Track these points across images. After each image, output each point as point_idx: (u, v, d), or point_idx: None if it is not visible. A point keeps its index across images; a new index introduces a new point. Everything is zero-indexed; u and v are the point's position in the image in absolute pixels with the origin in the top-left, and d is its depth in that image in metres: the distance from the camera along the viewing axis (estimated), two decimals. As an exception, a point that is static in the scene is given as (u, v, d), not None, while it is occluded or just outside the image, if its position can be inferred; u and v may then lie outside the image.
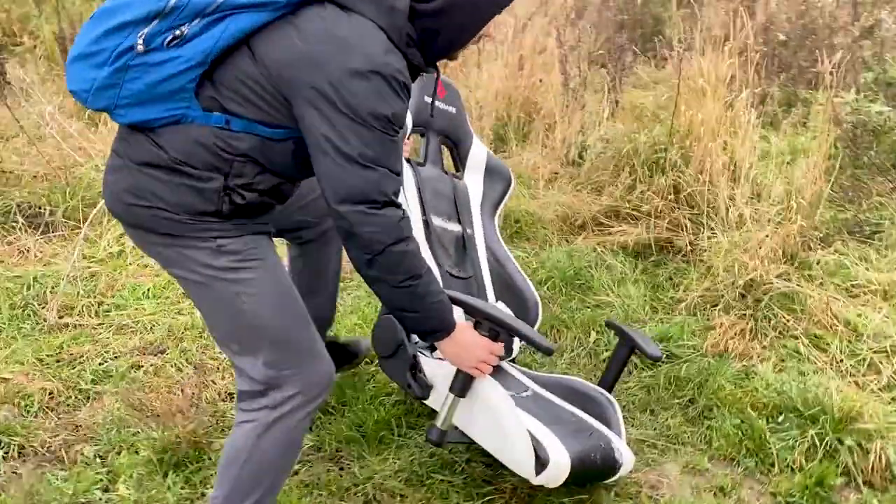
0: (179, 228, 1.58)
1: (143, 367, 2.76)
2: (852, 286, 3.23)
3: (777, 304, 3.02)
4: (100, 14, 1.50)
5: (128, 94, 1.50)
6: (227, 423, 2.41)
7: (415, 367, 2.04)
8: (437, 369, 2.00)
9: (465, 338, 1.77)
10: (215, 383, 2.67)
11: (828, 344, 2.87)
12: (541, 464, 1.84)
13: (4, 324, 2.98)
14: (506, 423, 1.88)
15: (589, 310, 3.15)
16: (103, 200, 1.86)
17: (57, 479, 2.17)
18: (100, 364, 2.76)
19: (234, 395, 1.96)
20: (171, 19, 1.45)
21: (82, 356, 2.80)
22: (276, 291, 1.68)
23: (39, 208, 3.87)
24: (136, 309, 3.15)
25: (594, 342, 2.95)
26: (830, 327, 2.93)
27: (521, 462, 1.86)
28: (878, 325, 2.91)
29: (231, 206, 1.57)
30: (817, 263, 3.27)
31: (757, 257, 3.08)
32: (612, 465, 2.02)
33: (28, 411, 2.48)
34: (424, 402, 2.08)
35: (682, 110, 3.73)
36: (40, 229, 3.75)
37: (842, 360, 2.78)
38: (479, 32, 1.62)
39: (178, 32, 1.45)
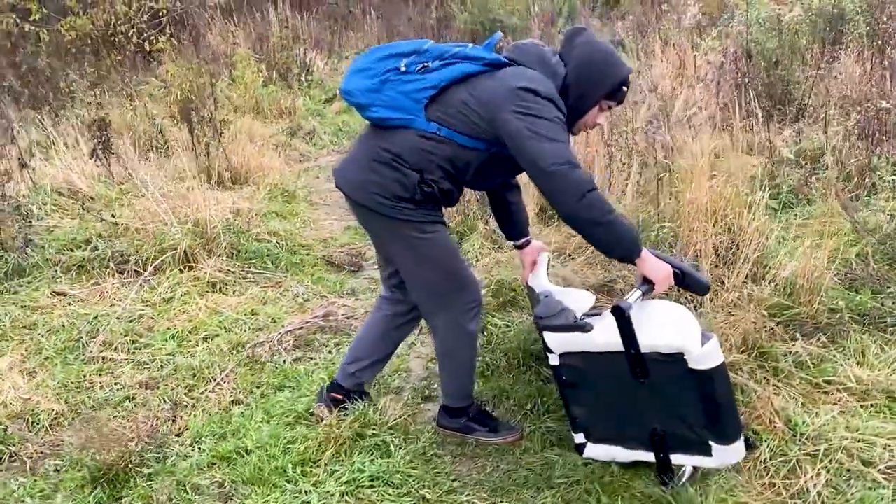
0: (389, 210, 2.39)
1: (135, 398, 3.30)
2: (825, 382, 3.01)
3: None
4: (375, 49, 2.42)
5: (384, 97, 2.32)
6: (168, 453, 2.85)
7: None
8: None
9: (653, 261, 2.43)
10: (180, 419, 3.12)
11: (761, 440, 2.73)
12: (706, 336, 2.33)
13: (56, 354, 3.68)
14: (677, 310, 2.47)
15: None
16: (335, 183, 2.59)
17: (16, 485, 2.71)
18: (105, 393, 3.34)
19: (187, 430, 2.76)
20: (424, 56, 2.34)
21: (95, 385, 3.40)
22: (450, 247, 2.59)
23: (128, 257, 4.66)
24: (159, 348, 3.73)
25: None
26: (770, 423, 2.78)
27: (691, 334, 2.33)
28: (821, 426, 2.72)
29: (422, 195, 2.37)
30: (788, 355, 3.09)
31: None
32: None
33: (33, 427, 3.09)
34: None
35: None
36: (123, 275, 4.51)
37: (766, 460, 2.64)
38: (596, 101, 2.42)
39: (426, 64, 2.33)
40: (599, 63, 2.37)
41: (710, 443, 2.42)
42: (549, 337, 2.52)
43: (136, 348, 3.74)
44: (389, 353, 2.93)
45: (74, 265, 4.72)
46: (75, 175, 6.04)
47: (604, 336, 2.42)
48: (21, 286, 4.46)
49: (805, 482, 2.49)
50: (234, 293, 4.38)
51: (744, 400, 2.87)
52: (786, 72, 6.25)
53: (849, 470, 2.54)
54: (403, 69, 2.31)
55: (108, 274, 4.53)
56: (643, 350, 2.39)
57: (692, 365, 2.33)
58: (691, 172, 3.60)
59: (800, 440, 2.70)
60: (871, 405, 2.89)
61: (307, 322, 3.96)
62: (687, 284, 2.59)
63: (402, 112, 2.33)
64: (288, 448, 2.76)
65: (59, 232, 5.17)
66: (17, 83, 8.14)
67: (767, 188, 5.08)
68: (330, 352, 3.65)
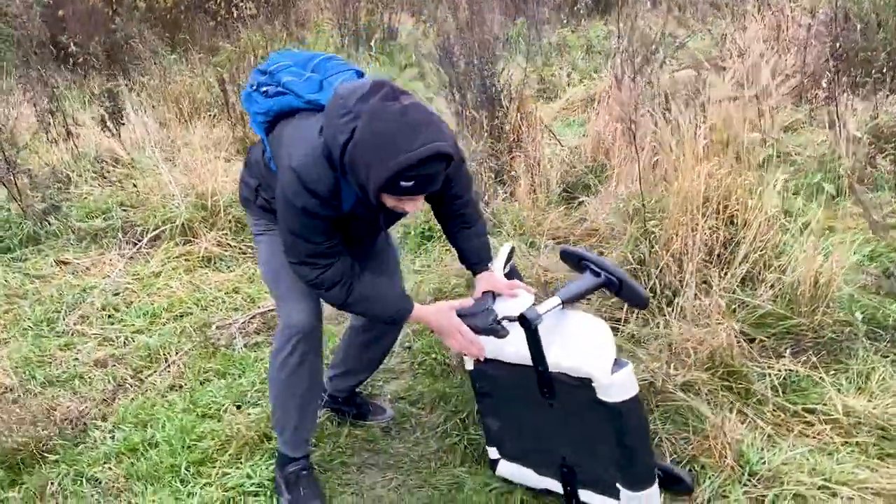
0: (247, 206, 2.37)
1: (84, 377, 3.29)
2: (806, 411, 2.57)
3: (671, 419, 2.55)
4: (272, 55, 2.27)
5: (249, 110, 2.22)
6: (86, 439, 2.81)
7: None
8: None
9: (432, 317, 2.23)
10: (117, 402, 3.08)
11: (705, 477, 2.35)
12: (620, 363, 2.01)
13: (33, 325, 3.74)
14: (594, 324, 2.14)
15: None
16: None
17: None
18: (59, 369, 3.34)
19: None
20: (267, 79, 2.14)
21: (55, 360, 3.42)
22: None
23: (136, 228, 4.69)
24: (129, 325, 3.72)
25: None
26: (720, 457, 2.39)
27: (601, 359, 2.01)
28: (779, 466, 2.31)
29: (262, 201, 2.27)
30: (768, 376, 2.65)
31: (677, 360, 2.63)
32: None
33: (-19, 400, 3.13)
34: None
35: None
36: (129, 246, 4.55)
37: (704, 501, 2.27)
38: (373, 193, 1.84)
39: (266, 89, 2.13)
40: (368, 146, 1.79)
41: (618, 486, 2.09)
42: None
43: (108, 323, 3.74)
44: (360, 367, 2.71)
45: (90, 234, 4.80)
46: (116, 143, 6.17)
47: (515, 346, 2.13)
48: (32, 254, 4.58)
49: (739, 534, 2.10)
50: (226, 269, 4.32)
51: (695, 427, 2.48)
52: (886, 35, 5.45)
53: (795, 524, 2.12)
54: (255, 87, 2.16)
55: (115, 245, 4.57)
56: (551, 369, 2.09)
57: (600, 395, 2.00)
58: (685, 155, 3.14)
59: (749, 481, 2.30)
60: (857, 443, 2.43)
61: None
62: (623, 295, 2.24)
63: (258, 129, 2.23)
64: (193, 445, 2.64)
65: (89, 200, 5.29)
66: (100, 50, 8.40)
67: (826, 171, 4.55)
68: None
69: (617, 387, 1.99)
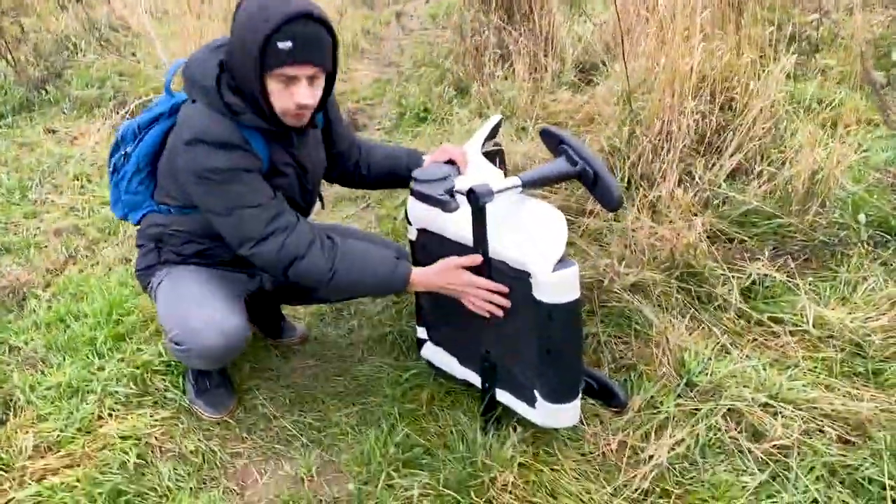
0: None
1: (40, 245, 3.23)
2: (773, 320, 2.28)
3: (614, 322, 2.31)
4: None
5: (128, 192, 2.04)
6: (22, 307, 2.76)
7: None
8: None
9: (432, 279, 1.90)
10: (64, 272, 3.02)
11: (640, 386, 2.13)
12: (566, 263, 1.76)
13: (6, 192, 3.69)
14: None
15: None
16: None
17: None
18: (17, 237, 3.30)
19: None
20: (122, 146, 1.99)
21: (18, 227, 3.38)
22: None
23: (126, 98, 4.57)
24: (97, 196, 3.64)
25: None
26: (658, 366, 2.15)
27: (545, 253, 1.75)
28: (722, 379, 2.06)
29: (168, 253, 2.04)
30: (734, 278, 2.36)
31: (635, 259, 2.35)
32: None
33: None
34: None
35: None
36: (115, 116, 4.44)
37: (635, 411, 2.06)
38: (257, 81, 1.70)
39: (123, 152, 1.98)
40: (241, 31, 1.68)
41: (536, 392, 1.89)
42: (411, 204, 2.04)
43: (79, 194, 3.66)
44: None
45: (85, 103, 4.70)
46: (127, 12, 5.97)
47: (459, 224, 1.90)
48: (24, 122, 4.51)
49: (657, 449, 1.90)
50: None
51: (638, 332, 2.24)
52: None
53: (722, 442, 1.90)
54: (113, 169, 2.03)
55: (104, 115, 4.46)
56: (491, 255, 1.85)
57: (535, 293, 1.76)
58: (675, 27, 2.73)
59: (686, 393, 2.06)
60: (822, 359, 2.16)
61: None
62: (596, 192, 1.95)
63: (143, 209, 2.05)
64: (119, 319, 2.56)
65: (91, 70, 5.17)
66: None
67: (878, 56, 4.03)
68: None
69: (554, 286, 1.74)
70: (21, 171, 3.86)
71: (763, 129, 2.74)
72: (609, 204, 1.94)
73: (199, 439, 2.06)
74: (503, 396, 2.00)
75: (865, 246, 2.50)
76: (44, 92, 4.73)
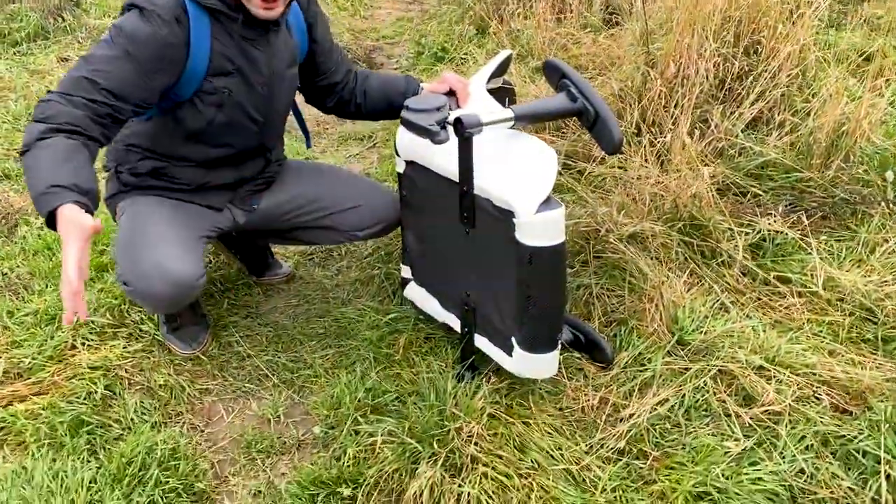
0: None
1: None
2: (780, 279, 2.14)
3: (608, 273, 2.19)
4: None
5: None
6: (13, 237, 2.73)
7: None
8: None
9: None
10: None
11: (629, 342, 2.02)
12: (552, 203, 1.63)
13: (11, 119, 3.65)
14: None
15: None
16: None
17: None
18: (17, 164, 3.25)
19: None
20: None
21: (10, 155, 3.33)
22: None
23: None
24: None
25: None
26: (650, 321, 2.03)
27: (530, 192, 1.62)
28: (716, 338, 1.94)
29: (126, 176, 1.92)
30: (741, 234, 2.21)
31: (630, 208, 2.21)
32: None
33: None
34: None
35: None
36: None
37: (622, 367, 1.95)
38: None
39: None
40: None
41: (513, 340, 1.79)
42: (400, 134, 1.94)
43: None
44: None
45: (100, 32, 4.62)
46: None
47: (446, 157, 1.79)
48: (38, 49, 4.45)
49: (638, 409, 1.79)
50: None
51: (633, 285, 2.11)
52: None
53: (709, 405, 1.79)
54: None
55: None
56: (476, 192, 1.74)
57: (517, 234, 1.65)
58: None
59: (677, 351, 1.94)
60: (828, 323, 2.02)
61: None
62: (595, 132, 1.81)
63: None
64: (104, 250, 2.51)
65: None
66: None
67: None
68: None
69: (537, 228, 1.62)
70: (29, 98, 3.81)
71: (789, 76, 2.54)
72: (608, 146, 1.80)
73: (168, 374, 2.01)
74: (481, 342, 1.90)
75: (890, 205, 2.32)
76: (60, 19, 4.65)
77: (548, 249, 1.63)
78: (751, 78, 2.56)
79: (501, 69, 2.11)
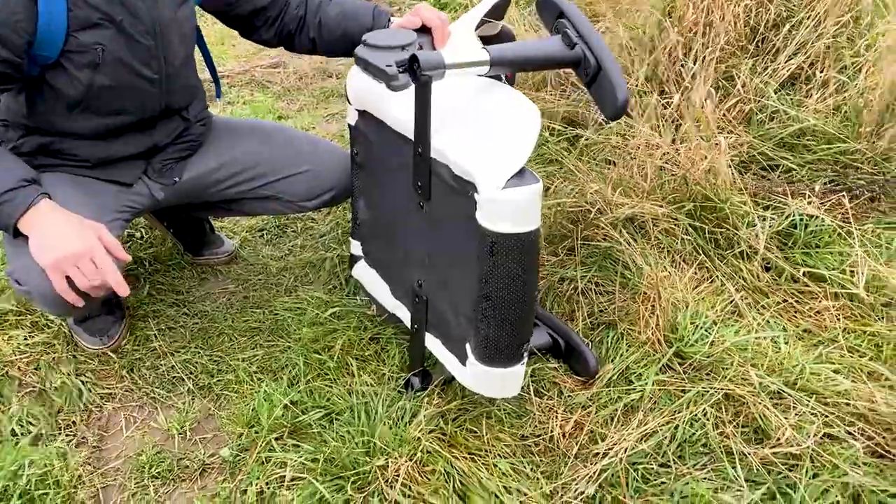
0: None
1: None
2: (813, 277, 1.73)
3: (598, 264, 1.80)
4: None
5: None
6: None
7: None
8: None
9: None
10: None
11: (618, 352, 1.64)
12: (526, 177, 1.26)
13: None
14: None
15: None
16: None
17: None
18: None
19: None
20: None
21: None
22: None
23: None
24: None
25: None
26: (645, 326, 1.65)
27: (498, 163, 1.27)
28: (723, 352, 1.55)
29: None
30: (767, 220, 1.80)
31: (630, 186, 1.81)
32: None
33: None
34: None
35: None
36: None
37: (606, 383, 1.58)
38: None
39: None
40: None
41: (467, 347, 1.42)
42: (351, 79, 1.61)
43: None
44: None
45: None
46: None
47: (402, 109, 1.43)
48: None
49: (619, 440, 1.42)
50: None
51: (626, 280, 1.73)
52: None
53: (708, 441, 1.41)
54: None
55: None
56: (433, 154, 1.38)
57: (477, 214, 1.27)
58: None
59: (674, 366, 1.56)
60: (871, 334, 1.61)
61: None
62: (595, 89, 1.40)
63: None
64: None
65: None
66: None
67: None
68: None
69: (504, 208, 1.24)
70: None
71: (837, 23, 2.08)
72: (609, 107, 1.38)
73: (68, 374, 1.71)
74: (432, 344, 1.55)
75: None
76: None
77: (515, 237, 1.25)
78: (789, 25, 2.10)
79: (497, 11, 1.69)
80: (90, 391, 1.69)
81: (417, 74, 1.26)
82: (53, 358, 1.75)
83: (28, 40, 1.36)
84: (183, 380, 1.72)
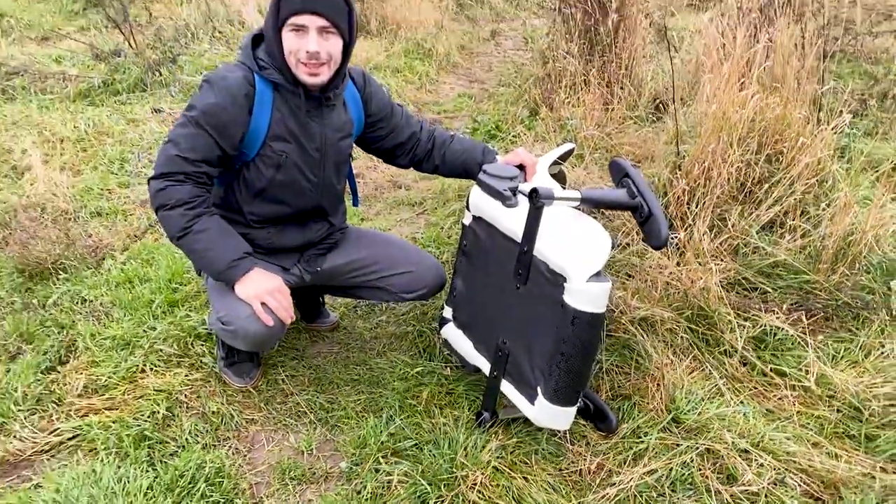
0: None
1: (126, 213, 3.60)
2: (777, 372, 2.33)
3: (618, 352, 2.42)
4: None
5: None
6: (99, 265, 3.11)
7: None
8: None
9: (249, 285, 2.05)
10: (137, 241, 3.36)
11: (631, 416, 2.23)
12: (602, 278, 1.89)
13: (108, 162, 4.10)
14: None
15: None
16: None
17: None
18: (108, 203, 3.67)
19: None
20: None
21: (111, 195, 3.75)
22: None
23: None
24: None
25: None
26: (650, 398, 2.25)
27: (585, 264, 1.88)
28: (708, 420, 2.14)
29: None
30: (745, 327, 2.42)
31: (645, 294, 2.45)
32: None
33: (42, 217, 3.53)
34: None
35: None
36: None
37: (621, 437, 2.17)
38: (276, 29, 1.96)
39: None
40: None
41: (538, 390, 2.02)
42: (474, 193, 2.24)
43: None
44: None
45: (191, 88, 5.12)
46: (243, 7, 6.41)
47: (514, 219, 2.08)
48: (136, 99, 4.96)
49: (629, 476, 2.00)
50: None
51: (639, 364, 2.34)
52: None
53: (693, 480, 1.98)
54: None
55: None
56: (535, 253, 2.01)
57: (566, 296, 1.90)
58: (729, 76, 2.79)
59: (671, 427, 2.15)
60: (816, 416, 2.20)
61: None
62: (646, 228, 2.04)
63: None
64: (177, 287, 2.85)
65: (204, 57, 5.60)
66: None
67: None
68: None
69: (585, 295, 1.87)
70: (124, 143, 4.27)
71: (806, 184, 2.77)
72: (655, 241, 2.01)
73: (221, 402, 2.30)
74: (507, 388, 2.13)
75: (893, 313, 2.50)
76: (158, 73, 5.17)
77: (591, 315, 1.87)
78: (769, 183, 2.78)
79: (564, 157, 2.42)
80: (238, 416, 2.28)
81: (537, 201, 1.92)
82: (210, 390, 2.36)
83: (240, 139, 2.03)
84: (306, 413, 2.31)
